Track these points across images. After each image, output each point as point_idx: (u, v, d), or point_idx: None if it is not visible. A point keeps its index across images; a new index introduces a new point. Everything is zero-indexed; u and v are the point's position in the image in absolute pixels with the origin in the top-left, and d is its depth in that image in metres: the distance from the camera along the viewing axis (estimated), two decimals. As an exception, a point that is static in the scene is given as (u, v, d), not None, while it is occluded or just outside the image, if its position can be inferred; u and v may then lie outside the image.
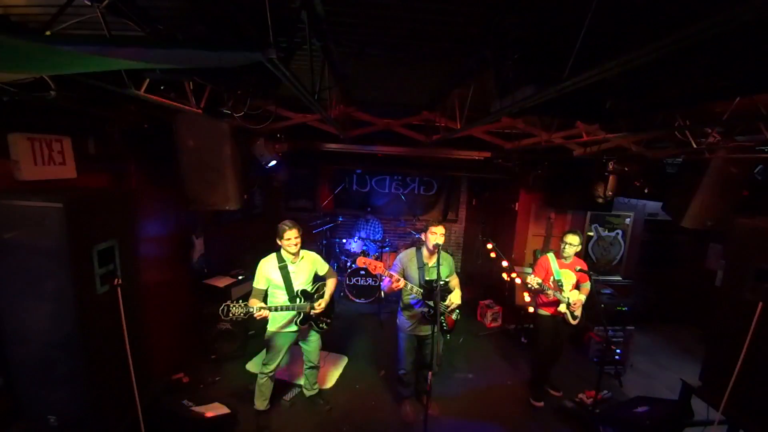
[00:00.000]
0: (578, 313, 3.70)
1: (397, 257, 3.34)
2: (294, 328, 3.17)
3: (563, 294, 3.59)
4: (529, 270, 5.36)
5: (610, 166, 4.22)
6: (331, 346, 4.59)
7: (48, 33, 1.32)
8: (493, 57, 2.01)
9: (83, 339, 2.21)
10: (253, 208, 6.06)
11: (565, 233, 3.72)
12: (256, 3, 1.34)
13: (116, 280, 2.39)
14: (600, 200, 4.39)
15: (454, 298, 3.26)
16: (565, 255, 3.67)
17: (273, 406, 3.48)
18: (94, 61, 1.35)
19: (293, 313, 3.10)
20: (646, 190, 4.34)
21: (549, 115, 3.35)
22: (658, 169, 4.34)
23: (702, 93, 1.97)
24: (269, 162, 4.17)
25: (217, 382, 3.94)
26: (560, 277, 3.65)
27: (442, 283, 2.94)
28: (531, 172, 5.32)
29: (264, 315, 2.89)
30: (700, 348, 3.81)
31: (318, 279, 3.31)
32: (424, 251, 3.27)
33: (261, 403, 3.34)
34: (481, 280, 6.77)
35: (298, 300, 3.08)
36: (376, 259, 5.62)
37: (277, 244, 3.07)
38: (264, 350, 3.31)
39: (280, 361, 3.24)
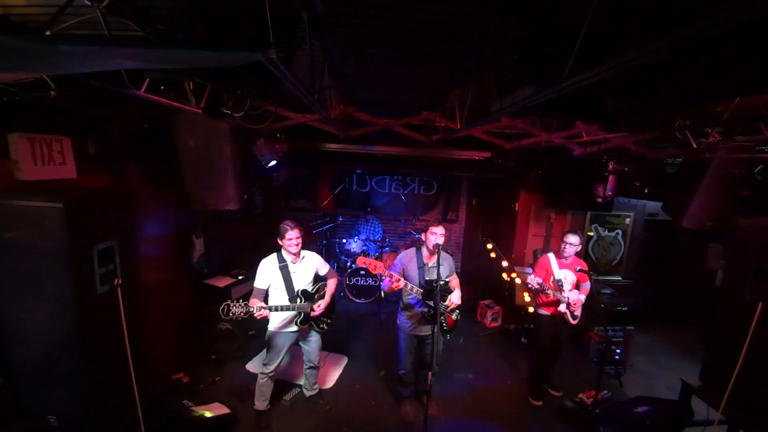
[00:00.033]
0: (578, 312, 3.70)
1: (397, 257, 3.34)
2: (294, 328, 3.17)
3: (563, 294, 3.59)
4: (529, 270, 5.36)
5: (610, 166, 4.22)
6: (331, 346, 4.59)
7: (48, 33, 1.32)
8: (493, 57, 2.01)
9: (83, 339, 2.21)
10: (253, 208, 6.06)
11: (565, 233, 3.72)
12: (256, 3, 1.34)
13: (116, 280, 2.39)
14: (599, 200, 4.39)
15: (454, 298, 3.26)
16: (565, 255, 3.67)
17: (273, 406, 3.48)
18: (93, 61, 1.35)
19: (294, 313, 3.10)
20: (646, 190, 4.35)
21: (549, 115, 3.34)
22: (658, 169, 4.34)
23: (702, 93, 1.97)
24: (269, 162, 4.17)
25: (217, 382, 3.94)
26: (560, 277, 3.65)
27: (442, 283, 2.94)
28: (531, 172, 5.32)
29: (264, 315, 2.89)
30: (700, 348, 3.81)
31: (319, 279, 3.31)
32: (424, 251, 3.27)
33: (261, 403, 3.34)
34: (481, 280, 6.77)
35: (298, 300, 3.08)
36: (376, 259, 5.62)
37: (278, 244, 3.07)
38: (264, 350, 3.31)
39: (281, 361, 3.25)
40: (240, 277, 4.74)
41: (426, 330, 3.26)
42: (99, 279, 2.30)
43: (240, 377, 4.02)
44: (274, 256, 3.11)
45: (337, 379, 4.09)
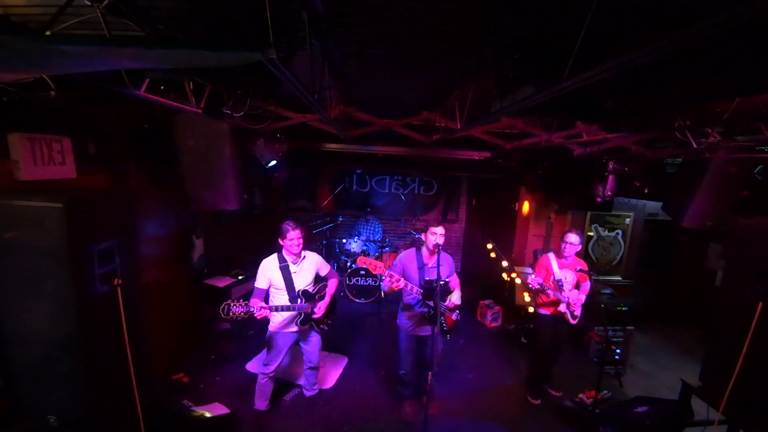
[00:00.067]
0: (578, 312, 3.70)
1: (397, 257, 3.34)
2: (295, 328, 3.17)
3: (563, 294, 3.59)
4: (529, 270, 5.36)
5: (610, 166, 4.22)
6: (331, 346, 4.59)
7: (48, 33, 1.32)
8: (493, 57, 2.01)
9: (83, 339, 2.21)
10: (253, 208, 6.06)
11: (565, 233, 3.72)
12: (256, 3, 1.34)
13: (116, 280, 2.39)
14: (599, 200, 4.39)
15: (454, 299, 3.26)
16: (565, 255, 3.67)
17: (273, 406, 3.48)
18: (93, 61, 1.35)
19: (294, 313, 3.10)
20: (646, 190, 4.35)
21: (549, 115, 3.34)
22: (658, 169, 4.34)
23: (702, 93, 1.97)
24: (269, 162, 4.17)
25: (217, 382, 3.94)
26: (560, 277, 3.65)
27: (442, 283, 2.94)
28: (531, 172, 5.32)
29: (264, 315, 2.89)
30: (700, 348, 3.81)
31: (320, 280, 3.31)
32: (424, 251, 3.27)
33: (261, 403, 3.34)
34: (481, 280, 6.78)
35: (299, 300, 3.08)
36: (376, 259, 5.62)
37: (279, 244, 3.07)
38: (264, 350, 3.31)
39: (281, 361, 3.25)
40: (240, 277, 4.74)
41: (426, 330, 3.26)
42: (99, 279, 2.30)
43: (240, 377, 4.02)
44: (274, 256, 3.11)
45: (337, 379, 4.09)
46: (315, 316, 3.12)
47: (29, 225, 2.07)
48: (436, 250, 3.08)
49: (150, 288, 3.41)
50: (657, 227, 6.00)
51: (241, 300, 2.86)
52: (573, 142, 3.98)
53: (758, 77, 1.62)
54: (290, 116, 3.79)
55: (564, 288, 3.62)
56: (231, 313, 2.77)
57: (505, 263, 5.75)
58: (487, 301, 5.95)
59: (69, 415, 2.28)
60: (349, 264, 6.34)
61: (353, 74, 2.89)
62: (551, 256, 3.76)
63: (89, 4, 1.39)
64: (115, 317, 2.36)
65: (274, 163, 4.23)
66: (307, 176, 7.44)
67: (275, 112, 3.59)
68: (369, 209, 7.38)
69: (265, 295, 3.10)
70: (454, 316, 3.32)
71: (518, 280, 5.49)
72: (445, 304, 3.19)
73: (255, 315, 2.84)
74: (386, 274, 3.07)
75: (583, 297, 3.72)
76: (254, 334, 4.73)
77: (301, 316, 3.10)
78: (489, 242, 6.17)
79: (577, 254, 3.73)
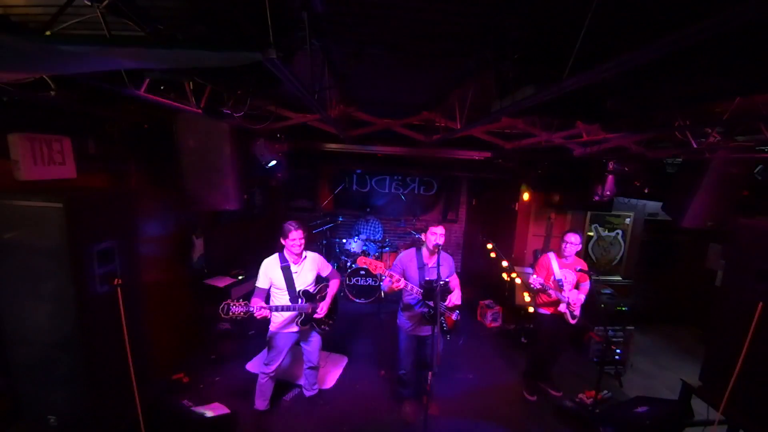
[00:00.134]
0: (577, 312, 3.70)
1: (397, 257, 3.34)
2: (295, 328, 3.17)
3: (563, 294, 3.59)
4: (530, 270, 5.36)
5: (610, 166, 4.22)
6: (331, 346, 4.59)
7: (48, 33, 1.32)
8: (493, 57, 2.01)
9: (83, 339, 2.21)
10: (253, 208, 6.06)
11: (565, 232, 3.72)
12: (256, 3, 1.34)
13: (116, 280, 2.39)
14: (596, 198, 4.39)
15: (454, 298, 3.26)
16: (565, 254, 3.67)
17: (273, 406, 3.48)
18: (93, 61, 1.35)
19: (294, 313, 3.10)
20: (646, 190, 4.35)
21: (549, 115, 3.34)
22: (658, 169, 4.34)
23: (702, 93, 1.97)
24: (269, 162, 4.17)
25: (217, 382, 3.94)
26: (561, 277, 3.65)
27: (442, 283, 2.94)
28: (531, 172, 5.33)
29: (264, 315, 2.88)
30: (700, 348, 3.81)
31: (321, 280, 3.31)
32: (424, 251, 3.27)
33: (261, 403, 3.34)
34: (481, 280, 6.78)
35: (299, 301, 3.08)
36: (377, 259, 5.62)
37: (280, 244, 3.07)
38: (265, 350, 3.31)
39: (282, 361, 3.25)
40: (240, 277, 4.74)
41: (426, 330, 3.26)
42: (99, 279, 2.30)
43: (240, 377, 4.02)
44: (276, 256, 3.11)
45: (338, 379, 4.09)
46: (316, 316, 3.12)
47: (29, 225, 2.07)
48: (436, 250, 3.08)
49: (150, 288, 3.41)
50: (657, 227, 6.00)
51: (241, 300, 2.86)
52: (573, 142, 3.98)
53: (758, 77, 1.62)
54: (290, 116, 3.79)
55: (564, 288, 3.63)
56: (231, 313, 2.77)
57: (505, 263, 5.75)
58: (487, 301, 5.95)
59: (69, 415, 2.28)
60: (349, 264, 6.34)
61: (353, 74, 2.89)
62: (551, 256, 3.76)
63: (89, 4, 1.39)
64: (115, 317, 2.36)
65: (274, 163, 4.23)
66: (307, 176, 7.44)
67: (275, 112, 3.59)
68: (369, 209, 7.38)
69: (266, 295, 3.10)
70: (454, 316, 3.32)
71: (518, 280, 5.49)
72: (445, 304, 3.19)
73: (255, 315, 2.84)
74: (386, 274, 3.07)
75: (582, 297, 3.73)
76: (254, 334, 4.73)
77: (301, 316, 3.10)
78: (489, 242, 6.17)
79: (577, 254, 3.73)
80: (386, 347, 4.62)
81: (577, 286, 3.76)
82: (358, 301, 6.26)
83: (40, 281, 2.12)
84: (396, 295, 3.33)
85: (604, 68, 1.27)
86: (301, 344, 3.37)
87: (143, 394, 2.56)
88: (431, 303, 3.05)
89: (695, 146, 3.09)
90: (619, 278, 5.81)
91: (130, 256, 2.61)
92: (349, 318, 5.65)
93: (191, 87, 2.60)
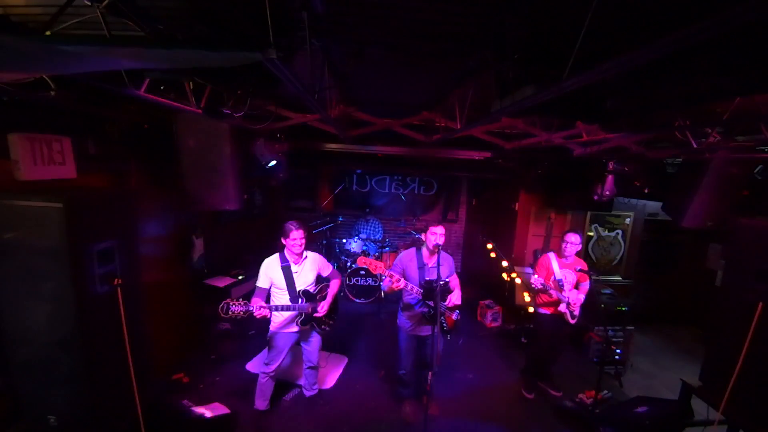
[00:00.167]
0: (577, 312, 3.71)
1: (398, 257, 3.34)
2: (295, 328, 3.17)
3: (563, 294, 3.59)
4: (530, 270, 5.36)
5: (610, 166, 4.22)
6: (331, 346, 4.59)
7: (48, 33, 1.32)
8: (493, 57, 2.01)
9: (83, 339, 2.21)
10: (253, 208, 6.06)
11: (565, 232, 3.72)
12: (256, 3, 1.34)
13: (116, 280, 2.39)
14: (595, 197, 4.39)
15: (454, 298, 3.26)
16: (566, 254, 3.67)
17: (273, 406, 3.48)
18: (93, 61, 1.35)
19: (295, 313, 3.10)
20: (646, 190, 4.35)
21: (549, 115, 3.34)
22: (658, 169, 4.34)
23: (702, 93, 1.97)
24: (269, 162, 4.17)
25: (217, 382, 3.94)
26: (561, 277, 3.65)
27: (442, 283, 2.94)
28: (531, 172, 5.33)
29: (264, 314, 2.88)
30: (700, 348, 3.81)
31: (322, 280, 3.31)
32: (424, 251, 3.27)
33: (261, 403, 3.34)
34: (481, 280, 6.78)
35: (300, 300, 3.08)
36: (377, 259, 5.62)
37: (281, 243, 3.07)
38: (265, 350, 3.31)
39: (282, 361, 3.25)
40: (240, 277, 4.74)
41: (426, 330, 3.27)
42: (99, 279, 2.30)
43: (240, 377, 4.02)
44: (276, 255, 3.11)
45: (338, 379, 4.09)
46: (317, 315, 3.12)
47: (29, 225, 2.07)
48: (436, 250, 3.08)
49: (150, 288, 3.41)
50: (657, 227, 6.00)
51: (241, 299, 2.86)
52: (573, 142, 3.98)
53: (758, 77, 1.62)
54: (290, 116, 3.79)
55: (564, 288, 3.63)
56: (230, 312, 2.77)
57: (505, 263, 5.75)
58: (487, 301, 5.96)
59: (69, 415, 2.28)
60: (349, 264, 6.34)
61: (353, 74, 2.89)
62: (552, 255, 3.76)
63: (89, 4, 1.39)
64: (115, 317, 2.36)
65: (274, 163, 4.23)
66: (307, 176, 7.44)
67: (275, 112, 3.58)
68: (369, 209, 7.38)
69: (267, 295, 3.10)
70: (454, 316, 3.32)
71: (518, 280, 5.49)
72: (445, 303, 3.19)
73: (254, 314, 2.84)
74: (386, 274, 3.07)
75: (582, 297, 3.73)
76: (254, 334, 4.73)
77: (301, 316, 3.10)
78: (489, 242, 6.17)
79: (577, 254, 3.73)
80: (386, 347, 4.62)
81: (576, 286, 3.77)
82: (358, 301, 6.26)
83: (40, 281, 2.11)
84: (396, 295, 3.33)
85: (604, 68, 1.27)
86: (301, 344, 3.37)
87: (143, 394, 2.56)
88: (431, 303, 3.05)
89: (695, 146, 3.09)
90: (619, 278, 5.82)
91: (130, 256, 2.61)
92: (349, 318, 5.65)
93: (191, 87, 2.60)
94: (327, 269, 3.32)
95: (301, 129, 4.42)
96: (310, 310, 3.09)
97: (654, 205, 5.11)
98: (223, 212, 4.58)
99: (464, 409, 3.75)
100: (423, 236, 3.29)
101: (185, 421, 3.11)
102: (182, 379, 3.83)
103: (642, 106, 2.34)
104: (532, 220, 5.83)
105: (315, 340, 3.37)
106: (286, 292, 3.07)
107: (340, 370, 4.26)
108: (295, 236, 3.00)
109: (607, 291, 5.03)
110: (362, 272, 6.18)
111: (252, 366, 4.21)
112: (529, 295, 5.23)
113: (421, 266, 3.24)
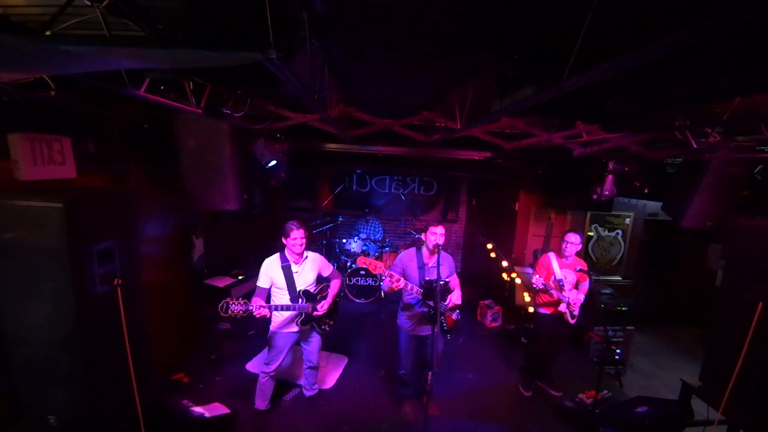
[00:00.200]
0: (577, 312, 3.71)
1: (397, 257, 3.34)
2: (295, 328, 3.17)
3: (563, 294, 3.59)
4: (530, 270, 5.36)
5: (610, 166, 4.22)
6: (331, 346, 4.59)
7: (48, 33, 1.32)
8: (493, 57, 2.01)
9: (83, 339, 2.21)
10: (253, 208, 6.06)
11: (565, 232, 3.72)
12: (256, 3, 1.34)
13: (116, 280, 2.39)
14: (594, 197, 4.39)
15: (454, 298, 3.26)
16: (566, 254, 3.67)
17: (273, 406, 3.48)
18: (93, 61, 1.35)
19: (295, 313, 3.10)
20: (646, 190, 4.35)
21: (549, 115, 3.34)
22: (658, 169, 4.34)
23: (702, 93, 1.97)
24: (269, 162, 4.17)
25: (217, 382, 3.94)
26: (561, 277, 3.65)
27: (442, 283, 2.94)
28: (531, 172, 5.33)
29: (263, 314, 2.88)
30: (700, 348, 3.81)
31: (322, 280, 3.31)
32: (424, 251, 3.27)
33: (261, 403, 3.34)
34: (481, 280, 6.78)
35: (300, 300, 3.08)
36: (376, 259, 5.62)
37: (281, 243, 3.07)
38: (265, 350, 3.31)
39: (282, 361, 3.25)
40: (240, 277, 4.74)
41: (426, 330, 3.27)
42: (99, 279, 2.30)
43: (240, 377, 4.02)
44: (277, 255, 3.11)
45: (337, 379, 4.09)
46: (316, 313, 3.12)
47: (29, 225, 2.07)
48: (436, 250, 3.08)
49: (150, 288, 3.41)
50: (657, 227, 6.00)
51: (241, 299, 2.86)
52: (573, 142, 3.98)
53: (758, 77, 1.62)
54: (290, 116, 3.79)
55: (564, 288, 3.63)
56: (230, 311, 2.78)
57: (505, 263, 5.76)
58: (487, 301, 5.95)
59: (69, 415, 2.28)
60: (349, 264, 6.34)
61: (353, 74, 2.89)
62: (552, 255, 3.76)
63: (89, 4, 1.39)
64: (115, 317, 2.36)
65: (274, 163, 4.23)
66: (307, 176, 7.44)
67: (275, 112, 3.59)
68: (369, 209, 7.38)
69: (267, 295, 3.11)
70: (454, 316, 3.32)
71: (518, 280, 5.49)
72: (445, 303, 3.19)
73: (254, 314, 2.84)
74: (386, 274, 3.07)
75: (582, 297, 3.73)
76: (254, 334, 4.73)
77: (301, 316, 3.10)
78: (489, 242, 6.18)
79: (577, 254, 3.73)
80: (386, 347, 4.62)
81: (576, 286, 3.77)
82: (358, 301, 6.26)
83: (40, 281, 2.11)
84: (396, 295, 3.33)
85: (604, 68, 1.27)
86: (302, 344, 3.37)
87: (143, 394, 2.56)
88: (431, 303, 3.05)
89: (695, 146, 3.09)
90: (619, 278, 5.82)
91: (130, 256, 2.61)
92: (349, 318, 5.65)
93: (191, 87, 2.60)
94: (327, 269, 3.32)
95: (301, 129, 4.42)
96: (309, 309, 3.09)
97: (654, 205, 5.11)
98: (223, 212, 4.59)
99: (464, 409, 3.75)
100: (423, 236, 3.29)
101: (185, 421, 3.11)
102: (182, 379, 3.83)
103: (642, 106, 2.34)
104: (532, 220, 5.83)
105: (315, 340, 3.37)
106: (287, 292, 3.07)
107: (340, 370, 4.26)
108: (296, 236, 3.01)
109: (607, 291, 5.03)
110: (362, 272, 6.18)
111: (252, 366, 4.21)
112: (529, 295, 5.23)
113: (421, 266, 3.24)
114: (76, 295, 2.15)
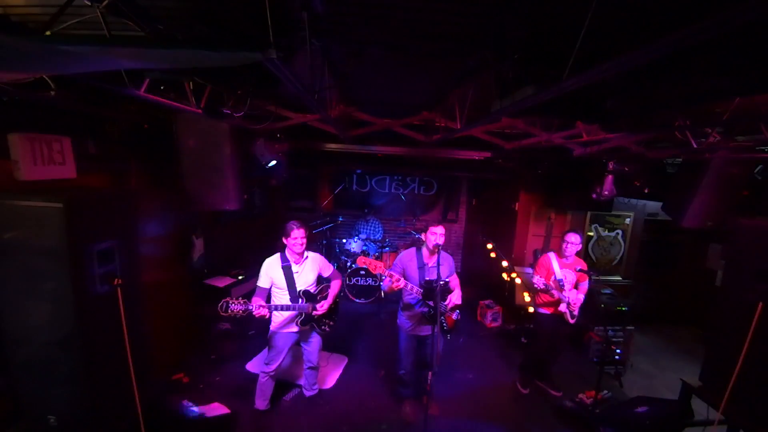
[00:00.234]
0: (576, 312, 3.71)
1: (397, 257, 3.34)
2: (295, 328, 3.17)
3: (563, 294, 3.60)
4: (530, 270, 5.36)
5: (610, 166, 4.23)
6: (331, 346, 4.59)
7: (48, 33, 1.32)
8: (493, 57, 2.01)
9: (83, 339, 2.21)
10: (253, 208, 6.06)
11: (565, 232, 3.73)
12: (256, 3, 1.34)
13: (116, 280, 2.39)
14: (594, 196, 4.40)
15: (454, 298, 3.26)
16: (566, 254, 3.67)
17: (273, 406, 3.48)
18: (93, 61, 1.35)
19: (295, 313, 3.10)
20: (646, 190, 4.35)
21: (549, 116, 3.34)
22: (658, 169, 4.35)
23: (702, 93, 1.97)
24: (269, 162, 4.17)
25: (217, 382, 3.94)
26: (561, 277, 3.65)
27: (442, 283, 2.94)
28: (531, 172, 5.33)
29: (263, 313, 2.88)
30: (700, 348, 3.81)
31: (323, 280, 3.31)
32: (424, 251, 3.27)
33: (261, 403, 3.34)
34: (481, 280, 6.78)
35: (300, 300, 3.08)
36: (376, 259, 5.62)
37: (282, 243, 3.08)
38: (265, 350, 3.31)
39: (282, 361, 3.25)
40: (240, 277, 4.74)
41: (426, 330, 3.27)
42: (99, 279, 2.30)
43: (240, 377, 4.02)
44: (277, 255, 3.11)
45: (337, 379, 4.09)
46: (316, 313, 3.12)
47: (29, 225, 2.07)
48: (436, 250, 3.08)
49: (150, 288, 3.40)
50: (657, 227, 6.00)
51: (241, 298, 2.86)
52: (573, 142, 3.98)
53: (758, 77, 1.62)
54: (290, 116, 3.79)
55: (565, 288, 3.63)
56: (230, 311, 2.78)
57: (505, 263, 5.76)
58: (487, 301, 5.95)
59: (69, 415, 2.28)
60: (349, 264, 6.34)
61: (353, 74, 2.89)
62: (552, 255, 3.76)
63: (89, 4, 1.39)
64: (115, 317, 2.36)
65: (274, 163, 4.23)
66: (307, 176, 7.44)
67: (275, 112, 3.58)
68: (369, 209, 7.38)
69: (267, 295, 3.11)
70: (454, 316, 3.32)
71: (518, 280, 5.49)
72: (446, 303, 3.19)
73: (253, 313, 2.84)
74: (386, 274, 3.07)
75: (581, 297, 3.73)
76: (254, 334, 4.74)
77: (301, 316, 3.10)
78: (489, 242, 6.18)
79: (577, 254, 3.73)
80: (386, 347, 4.62)
81: (576, 286, 3.77)
82: (358, 301, 6.26)
83: (40, 281, 2.11)
84: (396, 295, 3.33)
85: (604, 68, 1.27)
86: (302, 344, 3.37)
87: (143, 394, 2.56)
88: (431, 303, 3.05)
89: (695, 146, 3.09)
90: (619, 278, 5.82)
91: (130, 256, 2.61)
92: (349, 318, 5.65)
93: (191, 87, 2.60)
94: (328, 270, 3.32)
95: (301, 129, 4.42)
96: (309, 309, 3.09)
97: (654, 205, 5.11)
98: (223, 212, 4.58)
99: (464, 409, 3.75)
100: (423, 236, 3.29)
101: (185, 421, 3.11)
102: (182, 379, 3.83)
103: (642, 106, 2.34)
104: (532, 220, 5.83)
105: (315, 340, 3.37)
106: (287, 292, 3.07)
107: (340, 370, 4.26)
108: (297, 235, 3.01)
109: (607, 291, 5.03)
110: (362, 272, 6.18)
111: (252, 366, 4.21)
112: (529, 295, 5.23)
113: (421, 266, 3.24)
114: (76, 295, 2.15)
